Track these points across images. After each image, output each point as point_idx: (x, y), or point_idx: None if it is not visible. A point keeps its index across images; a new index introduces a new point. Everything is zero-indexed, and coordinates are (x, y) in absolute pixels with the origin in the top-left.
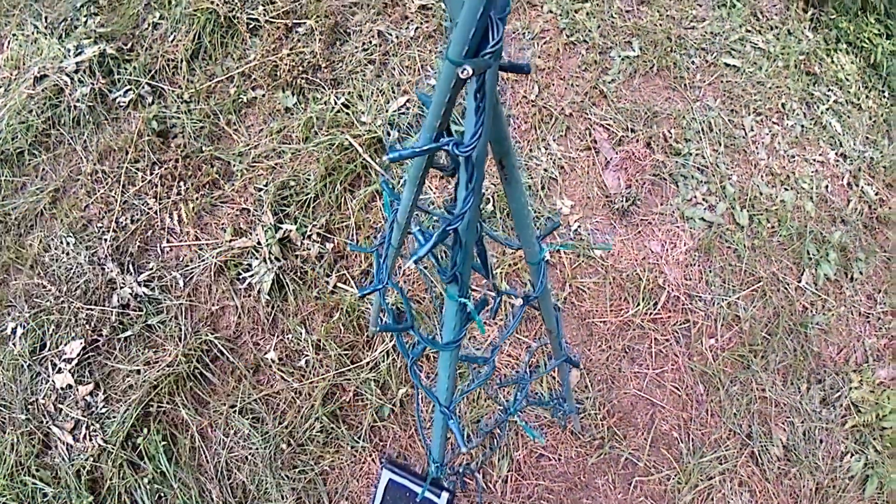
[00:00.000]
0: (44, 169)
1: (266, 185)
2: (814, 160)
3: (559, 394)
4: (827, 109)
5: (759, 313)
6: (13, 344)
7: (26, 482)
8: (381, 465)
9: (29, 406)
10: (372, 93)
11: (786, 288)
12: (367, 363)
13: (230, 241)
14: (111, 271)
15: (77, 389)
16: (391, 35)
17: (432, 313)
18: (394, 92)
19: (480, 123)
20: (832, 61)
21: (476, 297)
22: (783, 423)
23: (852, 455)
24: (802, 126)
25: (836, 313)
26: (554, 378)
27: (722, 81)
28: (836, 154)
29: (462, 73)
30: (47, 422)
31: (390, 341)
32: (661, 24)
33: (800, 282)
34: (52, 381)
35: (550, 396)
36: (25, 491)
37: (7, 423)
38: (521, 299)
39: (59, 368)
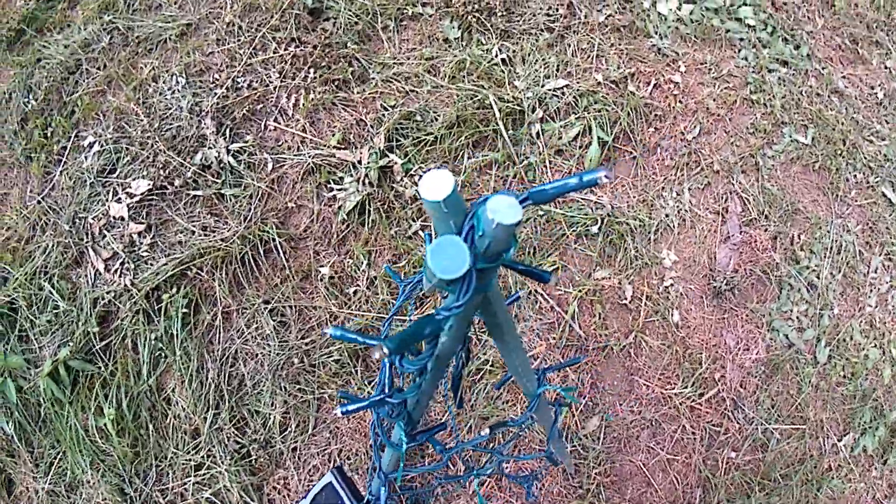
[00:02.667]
0: None
1: (393, 107)
2: None
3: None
4: None
5: (788, 451)
6: (85, 156)
7: (43, 287)
8: (330, 469)
9: (77, 220)
10: (536, 61)
11: (824, 440)
12: (409, 320)
13: (335, 147)
14: (207, 127)
15: (128, 224)
16: (581, 11)
17: None
18: (558, 70)
19: (428, 355)
20: None
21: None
22: None
23: None
24: None
25: (854, 487)
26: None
27: (872, 210)
28: None
29: (375, 352)
30: (88, 241)
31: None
32: (843, 123)
33: (840, 440)
34: (108, 206)
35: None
36: (39, 296)
37: (49, 226)
38: (487, 429)
39: (120, 198)
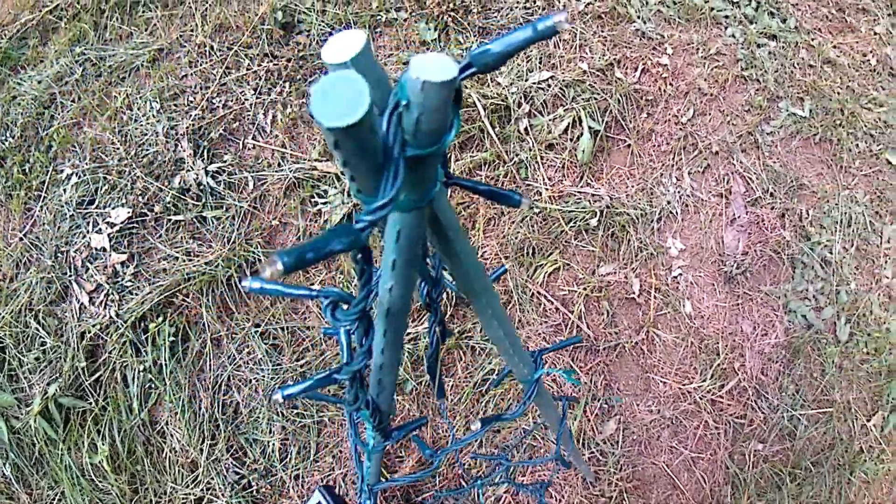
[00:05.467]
0: (154, 25)
1: None
2: None
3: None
4: None
5: (816, 437)
6: (64, 189)
7: (29, 324)
8: (317, 487)
9: (59, 254)
10: (517, 56)
11: (853, 422)
12: (408, 335)
13: (316, 160)
14: (184, 150)
15: (110, 255)
16: (559, 1)
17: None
18: (541, 63)
19: (364, 294)
20: None
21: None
22: None
23: None
24: None
25: (887, 467)
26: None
27: (878, 178)
28: None
29: (266, 271)
30: (71, 275)
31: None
32: (839, 93)
33: (868, 420)
34: (89, 238)
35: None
36: (26, 333)
37: (33, 262)
38: (478, 423)
39: (100, 229)
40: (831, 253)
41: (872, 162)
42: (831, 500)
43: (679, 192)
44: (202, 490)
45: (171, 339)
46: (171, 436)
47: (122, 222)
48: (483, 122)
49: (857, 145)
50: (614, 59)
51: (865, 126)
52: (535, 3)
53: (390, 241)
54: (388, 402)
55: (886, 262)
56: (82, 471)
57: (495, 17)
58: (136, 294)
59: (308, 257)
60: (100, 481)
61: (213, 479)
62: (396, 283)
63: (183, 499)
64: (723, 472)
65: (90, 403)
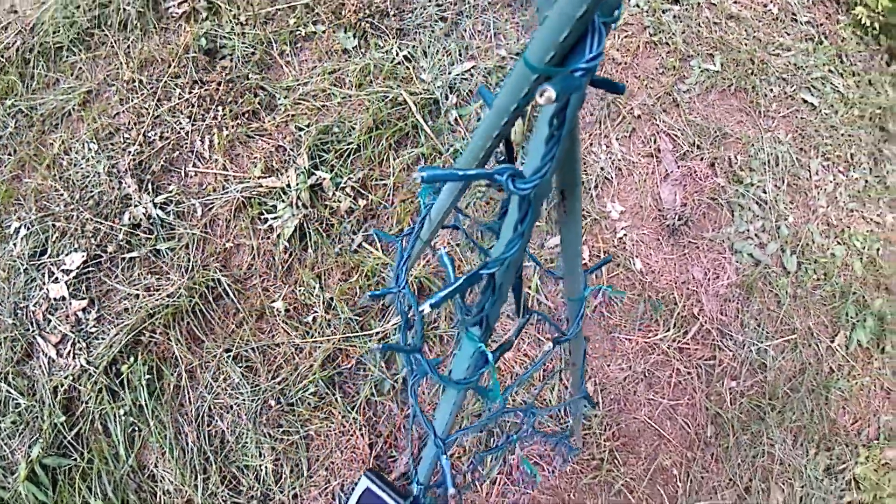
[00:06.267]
0: (80, 68)
1: (308, 126)
2: (871, 219)
3: (567, 425)
4: (894, 170)
5: (786, 366)
6: (13, 244)
7: (0, 388)
8: (362, 473)
9: (18, 311)
10: (437, 51)
11: (817, 345)
12: (377, 333)
13: (259, 177)
14: (128, 186)
15: (70, 303)
16: None
17: (447, 316)
18: (461, 55)
19: (550, 157)
20: None
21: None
22: (783, 484)
23: None
24: (866, 181)
25: (860, 382)
26: (566, 387)
27: (796, 117)
28: (894, 218)
29: (541, 96)
30: (34, 330)
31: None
32: (746, 44)
33: (832, 342)
34: (47, 289)
35: (558, 425)
36: None
37: None
38: (549, 344)
39: (56, 278)
40: (765, 192)
41: (789, 103)
42: (813, 422)
43: (610, 157)
44: None
45: (147, 377)
46: (163, 478)
47: (77, 267)
48: (416, 117)
49: (772, 90)
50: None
51: (777, 71)
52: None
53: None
54: (496, 315)
55: (818, 193)
56: None
57: (410, 17)
58: (103, 338)
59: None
60: None
61: None
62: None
63: None
64: (703, 415)
65: (75, 460)
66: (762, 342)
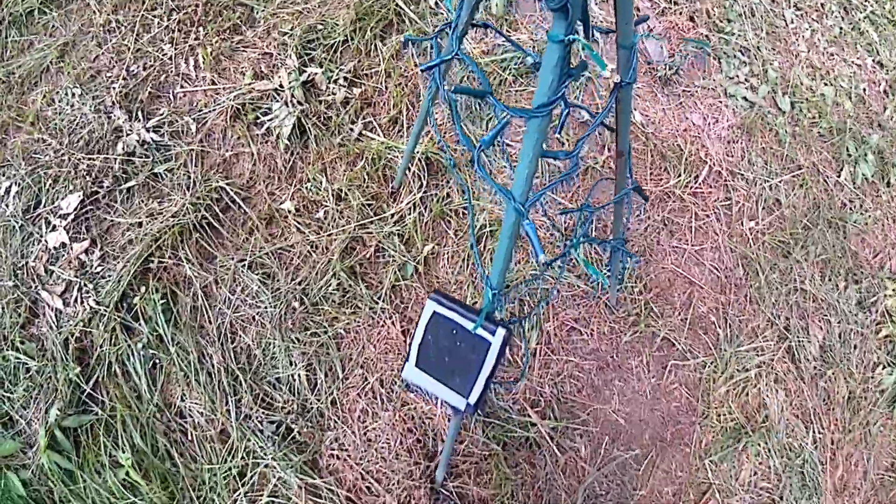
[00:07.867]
0: (53, 26)
1: (291, 30)
2: (852, 62)
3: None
4: (864, 18)
5: (800, 202)
6: (6, 204)
7: (8, 357)
8: (428, 296)
9: (18, 271)
10: None
11: (826, 181)
12: (392, 215)
13: (250, 84)
14: (118, 119)
15: (71, 248)
16: None
17: (465, 165)
18: None
19: None
20: None
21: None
22: (820, 321)
23: (884, 367)
24: (841, 28)
25: (872, 216)
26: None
27: None
28: (874, 61)
29: None
30: (36, 286)
31: (418, 192)
32: None
33: (839, 177)
34: (45, 240)
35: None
36: (7, 367)
37: None
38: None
39: (54, 226)
40: (747, 40)
41: None
42: (836, 255)
43: (592, 19)
44: (242, 458)
45: (162, 303)
46: (191, 411)
47: (74, 209)
48: (398, 3)
49: None
50: None
51: None
52: None
53: None
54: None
55: (798, 39)
56: (112, 493)
57: None
58: (110, 275)
59: None
60: (135, 497)
61: (248, 441)
62: None
63: (225, 480)
64: (729, 256)
65: (96, 414)
66: (772, 179)
